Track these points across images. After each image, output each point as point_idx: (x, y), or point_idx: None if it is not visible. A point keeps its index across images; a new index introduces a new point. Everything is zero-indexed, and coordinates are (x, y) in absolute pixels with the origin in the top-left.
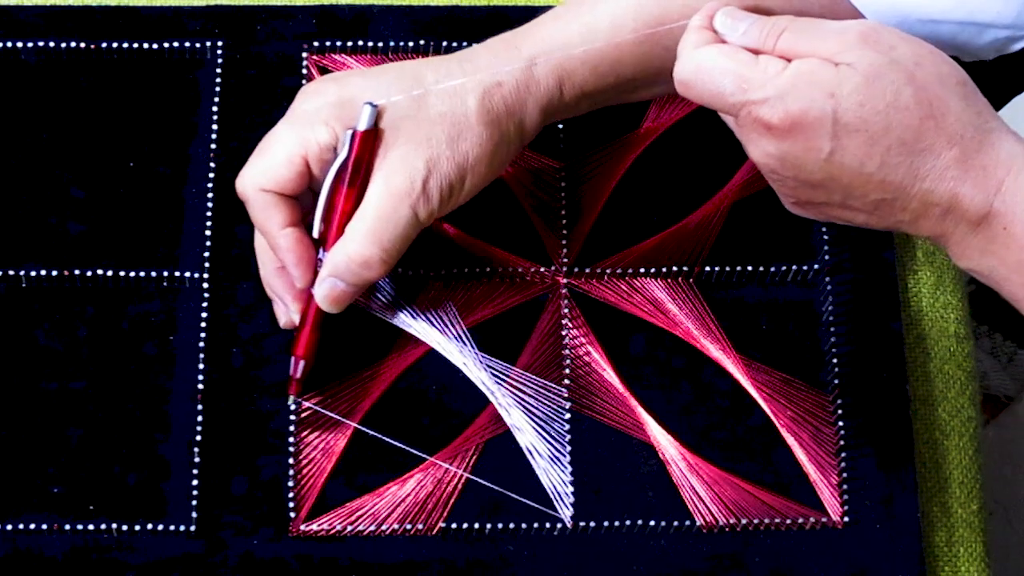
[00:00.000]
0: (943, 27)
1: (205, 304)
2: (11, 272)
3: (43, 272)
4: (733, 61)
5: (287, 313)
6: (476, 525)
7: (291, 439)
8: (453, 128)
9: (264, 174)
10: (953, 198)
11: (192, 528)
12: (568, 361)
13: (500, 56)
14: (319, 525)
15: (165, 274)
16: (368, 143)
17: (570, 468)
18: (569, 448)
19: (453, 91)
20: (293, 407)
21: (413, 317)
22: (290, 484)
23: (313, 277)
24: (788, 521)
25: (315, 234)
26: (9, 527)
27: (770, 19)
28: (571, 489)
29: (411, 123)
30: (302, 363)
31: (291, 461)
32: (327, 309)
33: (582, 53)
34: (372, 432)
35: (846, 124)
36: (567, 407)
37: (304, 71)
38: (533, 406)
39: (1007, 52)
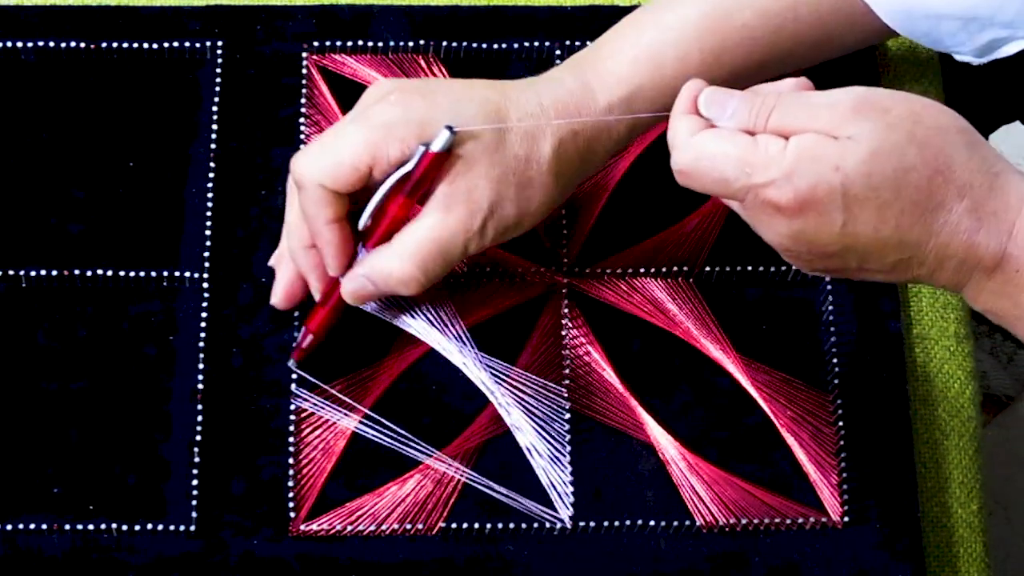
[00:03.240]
0: (945, 24)
1: (205, 304)
2: (11, 272)
3: (43, 272)
4: (732, 145)
5: (289, 288)
6: (476, 525)
7: (291, 439)
8: (525, 174)
9: (326, 172)
10: (968, 248)
11: (192, 528)
12: (568, 361)
13: (576, 98)
14: (319, 525)
15: (165, 274)
16: (437, 164)
17: (570, 468)
18: (569, 448)
19: (532, 133)
20: (295, 377)
21: (413, 317)
22: (290, 484)
23: (346, 267)
24: (788, 521)
25: (360, 227)
26: (9, 527)
27: (757, 97)
28: (571, 489)
29: (486, 158)
30: (311, 337)
31: (291, 461)
32: (349, 302)
33: (652, 90)
34: (372, 432)
35: (856, 195)
36: (567, 407)
37: (304, 71)
38: (533, 406)
39: (996, 56)
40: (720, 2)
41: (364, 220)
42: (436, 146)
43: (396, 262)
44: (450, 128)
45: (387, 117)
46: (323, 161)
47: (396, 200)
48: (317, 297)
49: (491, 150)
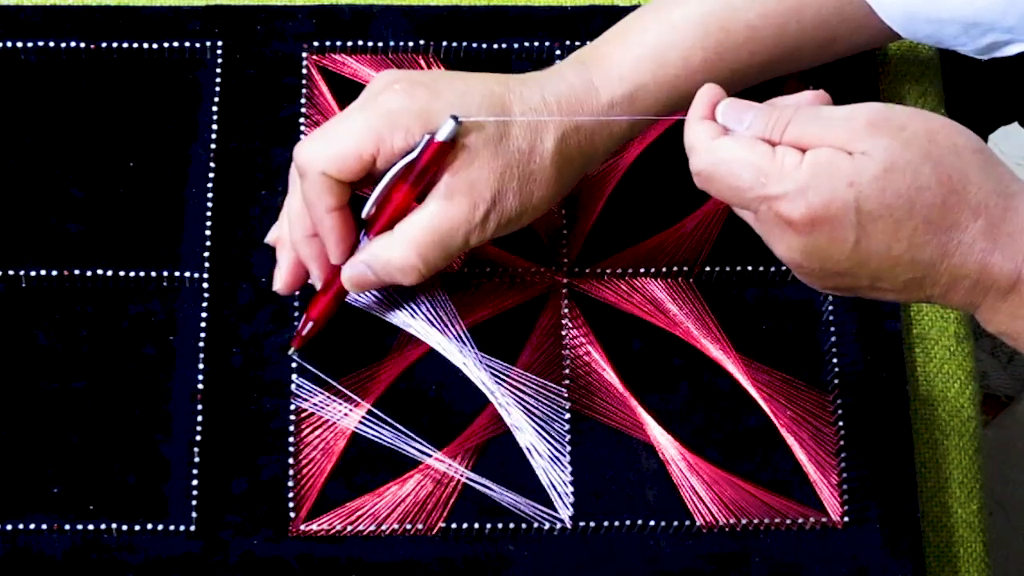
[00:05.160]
0: (947, 27)
1: (205, 304)
2: (11, 272)
3: (43, 272)
4: (751, 153)
5: (290, 274)
6: (476, 525)
7: (291, 439)
8: (527, 167)
9: (329, 160)
10: (983, 269)
11: (192, 528)
12: (568, 361)
13: (579, 94)
14: (319, 525)
15: (165, 274)
16: (442, 153)
17: (570, 468)
18: (569, 448)
19: (535, 127)
20: (294, 366)
21: (413, 317)
22: (290, 484)
23: (348, 256)
24: (788, 521)
25: (363, 215)
26: (9, 527)
27: (774, 109)
28: (571, 489)
29: (489, 150)
30: (311, 324)
31: (291, 461)
32: (349, 289)
33: (655, 89)
34: (372, 432)
35: (869, 212)
36: (567, 407)
37: (304, 71)
38: (533, 406)
39: (998, 55)
40: (725, 2)
41: (368, 208)
42: (441, 135)
43: (396, 250)
44: (455, 118)
45: (392, 106)
46: (327, 149)
47: (400, 189)
48: (318, 285)
49: (494, 142)
